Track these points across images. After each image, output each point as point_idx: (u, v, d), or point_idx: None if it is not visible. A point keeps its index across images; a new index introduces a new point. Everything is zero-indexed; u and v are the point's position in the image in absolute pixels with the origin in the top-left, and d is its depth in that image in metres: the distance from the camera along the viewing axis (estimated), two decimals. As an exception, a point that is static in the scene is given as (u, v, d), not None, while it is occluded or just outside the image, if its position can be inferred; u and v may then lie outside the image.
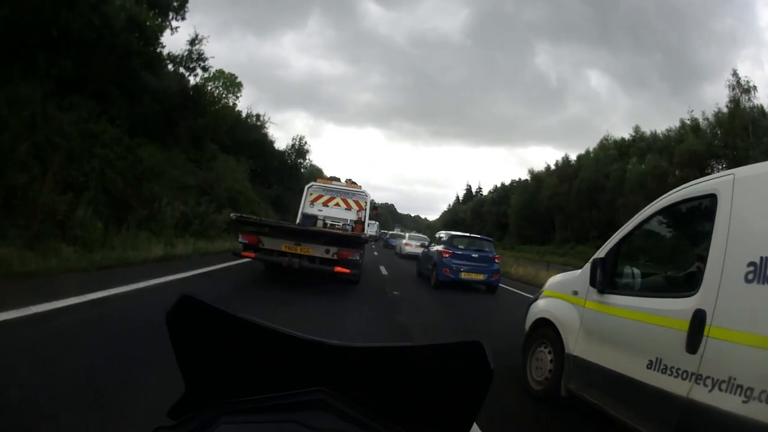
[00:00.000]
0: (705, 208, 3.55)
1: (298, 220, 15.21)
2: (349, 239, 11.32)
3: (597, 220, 58.24)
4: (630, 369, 3.72)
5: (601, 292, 4.40)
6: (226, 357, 1.05)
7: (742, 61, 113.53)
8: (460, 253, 14.89)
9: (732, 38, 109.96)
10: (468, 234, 17.32)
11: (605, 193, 57.82)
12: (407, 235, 37.58)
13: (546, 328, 5.20)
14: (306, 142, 48.67)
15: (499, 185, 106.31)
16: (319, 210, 15.52)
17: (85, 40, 17.04)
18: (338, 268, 10.34)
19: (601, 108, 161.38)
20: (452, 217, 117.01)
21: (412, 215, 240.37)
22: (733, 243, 3.17)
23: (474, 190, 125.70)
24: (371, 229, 42.78)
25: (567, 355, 4.65)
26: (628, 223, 4.47)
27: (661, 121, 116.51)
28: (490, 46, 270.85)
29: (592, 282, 4.49)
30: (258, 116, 41.44)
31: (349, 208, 15.66)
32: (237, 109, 40.49)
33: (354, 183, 17.17)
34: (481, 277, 14.80)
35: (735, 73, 48.11)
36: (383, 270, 18.62)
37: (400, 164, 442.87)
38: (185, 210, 17.78)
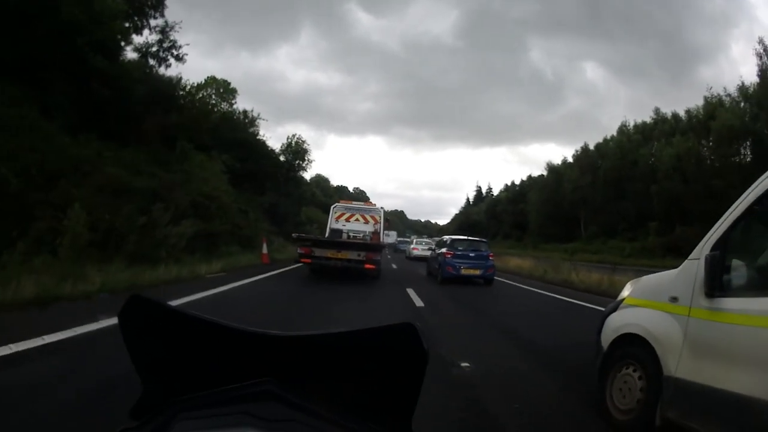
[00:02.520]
0: None
1: (327, 234, 18.74)
2: (373, 246, 15.92)
3: (626, 212, 55.19)
4: (755, 389, 3.01)
5: (711, 295, 3.54)
6: (178, 354, 1.05)
7: (735, 41, 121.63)
8: (459, 253, 17.45)
9: (723, 17, 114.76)
10: (466, 237, 20.56)
11: (634, 182, 54.47)
12: (414, 240, 43.00)
13: (633, 346, 4.22)
14: (304, 141, 43.10)
15: (509, 184, 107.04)
16: (343, 225, 19.14)
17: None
18: (367, 266, 14.55)
19: (600, 100, 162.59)
20: (465, 220, 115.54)
21: (423, 221, 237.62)
22: None
23: (484, 191, 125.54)
24: (390, 238, 49.30)
25: (666, 378, 3.78)
26: (735, 206, 3.61)
27: (662, 109, 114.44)
28: (482, 46, 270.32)
29: (710, 284, 3.53)
30: (246, 113, 36.67)
31: (366, 222, 19.35)
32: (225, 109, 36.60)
33: (369, 201, 22.28)
34: (478, 272, 17.33)
35: (761, 41, 45.75)
36: (415, 298, 12.40)
37: (406, 170, 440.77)
38: (111, 221, 12.51)
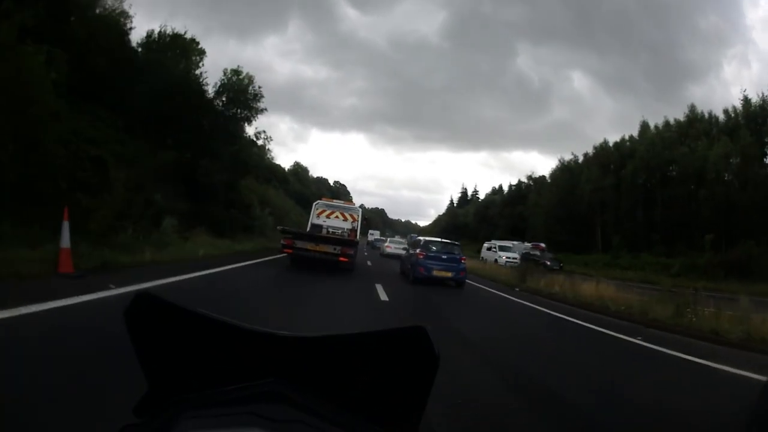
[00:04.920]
0: None
1: (308, 229, 20.84)
2: (348, 242, 17.64)
3: (658, 220, 48.07)
4: None
5: None
6: (185, 352, 1.06)
7: (728, 61, 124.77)
8: (432, 254, 17.89)
9: (718, 37, 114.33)
10: (440, 239, 21.29)
11: (672, 185, 47.71)
12: (388, 239, 48.10)
13: None
14: (252, 78, 28.49)
15: (496, 188, 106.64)
16: (324, 221, 21.40)
17: None
18: (341, 258, 16.53)
19: (585, 111, 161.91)
20: (451, 221, 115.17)
21: (403, 220, 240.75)
22: None
23: (470, 193, 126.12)
24: (373, 237, 60.49)
25: None
26: None
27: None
28: (469, 48, 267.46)
29: None
30: (176, 35, 26.00)
31: (345, 219, 21.59)
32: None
33: (350, 200, 29.25)
34: (449, 274, 17.61)
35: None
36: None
37: (387, 169, 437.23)
38: None
